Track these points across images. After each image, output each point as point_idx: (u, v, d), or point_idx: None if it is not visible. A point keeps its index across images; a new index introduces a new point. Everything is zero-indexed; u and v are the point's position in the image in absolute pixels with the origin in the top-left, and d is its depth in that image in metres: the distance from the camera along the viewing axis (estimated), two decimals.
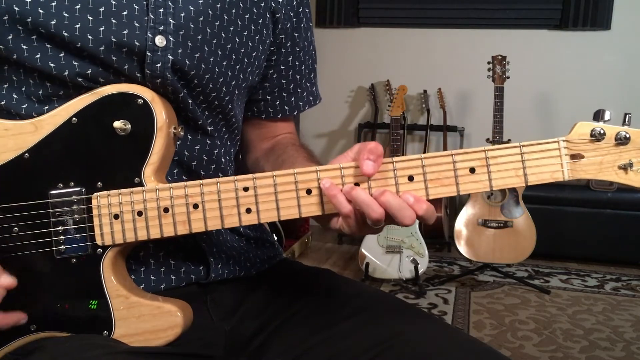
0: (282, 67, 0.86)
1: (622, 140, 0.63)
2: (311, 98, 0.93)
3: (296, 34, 0.85)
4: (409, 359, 0.65)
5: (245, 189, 0.66)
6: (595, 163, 0.64)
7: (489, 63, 2.70)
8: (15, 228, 0.67)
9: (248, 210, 0.66)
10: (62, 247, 0.67)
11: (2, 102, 0.70)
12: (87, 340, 0.65)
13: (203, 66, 0.72)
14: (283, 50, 0.85)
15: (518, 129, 3.00)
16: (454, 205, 3.42)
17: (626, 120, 0.64)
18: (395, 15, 3.50)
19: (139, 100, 0.67)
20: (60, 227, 0.67)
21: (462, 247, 2.61)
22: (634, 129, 0.63)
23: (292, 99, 0.90)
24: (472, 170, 0.64)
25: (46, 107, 0.69)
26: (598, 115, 0.64)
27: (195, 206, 0.66)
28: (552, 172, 0.64)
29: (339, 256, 3.09)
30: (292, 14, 0.84)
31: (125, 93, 0.68)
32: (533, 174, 0.64)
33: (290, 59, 0.86)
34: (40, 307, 0.68)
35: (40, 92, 0.69)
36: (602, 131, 0.63)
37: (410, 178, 0.65)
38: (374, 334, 0.71)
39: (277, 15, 0.82)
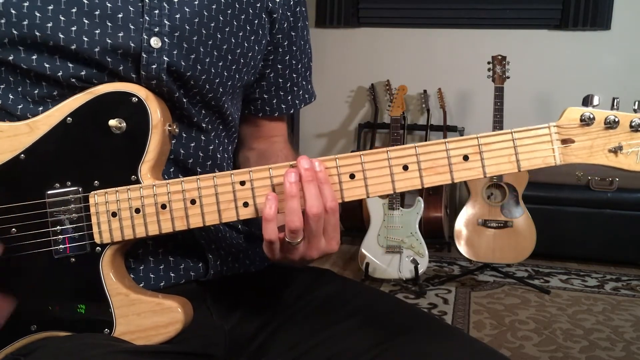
0: (279, 66, 0.87)
1: (611, 124, 0.64)
2: (307, 96, 0.94)
3: (293, 33, 0.86)
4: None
5: (242, 183, 0.66)
6: (585, 147, 0.64)
7: (489, 63, 2.70)
8: (14, 229, 0.67)
9: (245, 204, 0.66)
10: (61, 246, 0.67)
11: None
12: (88, 339, 0.65)
13: (199, 67, 0.73)
14: (280, 50, 0.86)
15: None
16: (454, 205, 3.42)
17: (615, 104, 0.64)
18: (395, 15, 3.50)
19: (134, 98, 0.67)
20: (58, 227, 0.67)
21: (462, 247, 2.61)
22: (623, 113, 0.64)
23: (289, 97, 0.91)
24: (466, 157, 0.65)
25: (41, 108, 0.69)
26: (587, 101, 0.65)
27: (193, 201, 0.67)
28: (544, 157, 0.65)
29: (338, 256, 3.09)
30: (289, 14, 0.84)
31: (120, 92, 0.68)
32: (525, 159, 0.65)
33: (287, 58, 0.87)
34: (41, 307, 0.68)
35: (36, 92, 0.69)
36: (591, 116, 0.64)
37: (405, 167, 0.65)
38: (374, 334, 0.71)
39: (275, 16, 0.82)
